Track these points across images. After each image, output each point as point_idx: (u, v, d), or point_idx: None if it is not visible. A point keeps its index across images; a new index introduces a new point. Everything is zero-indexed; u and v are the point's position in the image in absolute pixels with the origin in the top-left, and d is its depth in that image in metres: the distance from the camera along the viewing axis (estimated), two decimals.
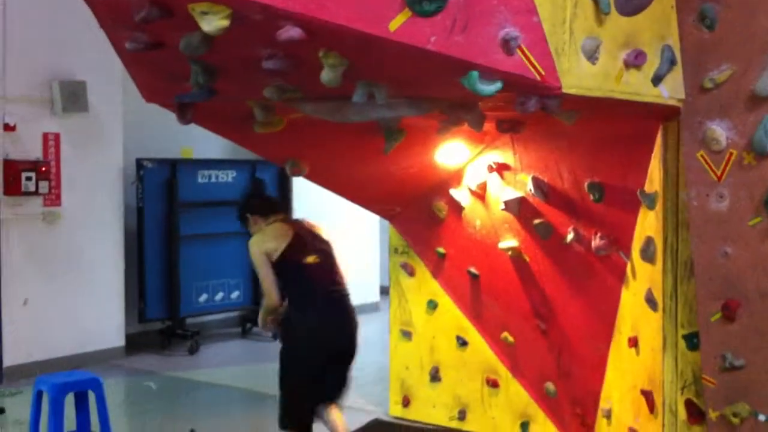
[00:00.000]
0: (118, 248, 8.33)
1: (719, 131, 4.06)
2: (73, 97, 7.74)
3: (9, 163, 7.35)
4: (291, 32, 2.99)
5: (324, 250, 4.88)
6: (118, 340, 8.30)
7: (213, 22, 2.98)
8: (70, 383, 4.88)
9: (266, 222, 4.82)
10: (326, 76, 3.25)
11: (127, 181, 8.51)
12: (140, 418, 6.22)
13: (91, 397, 4.93)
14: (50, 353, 7.59)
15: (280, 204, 4.95)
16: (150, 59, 3.80)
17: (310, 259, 4.75)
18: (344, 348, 4.76)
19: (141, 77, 4.32)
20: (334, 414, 4.81)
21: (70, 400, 4.84)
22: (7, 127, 7.38)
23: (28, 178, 7.39)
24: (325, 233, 4.96)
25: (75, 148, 7.91)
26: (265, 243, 4.69)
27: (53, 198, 7.73)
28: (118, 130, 8.32)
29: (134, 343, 8.47)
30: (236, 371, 7.87)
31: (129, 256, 8.50)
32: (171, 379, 7.48)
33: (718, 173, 4.10)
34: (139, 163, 8.57)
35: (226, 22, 2.98)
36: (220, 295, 9.22)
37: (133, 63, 4.12)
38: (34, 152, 7.59)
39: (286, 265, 4.65)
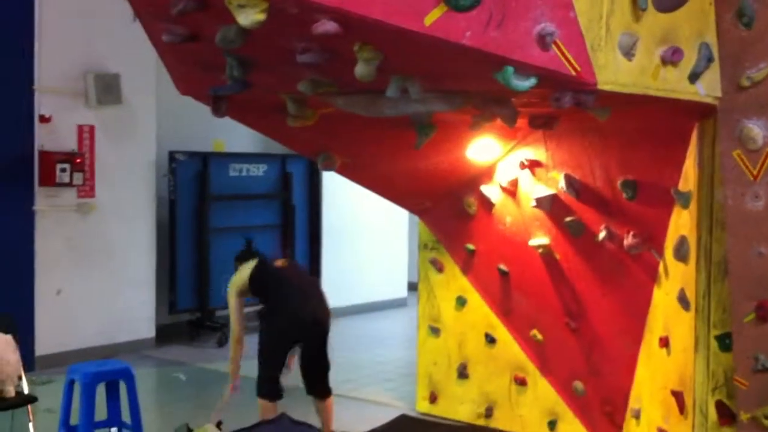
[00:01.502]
0: (150, 240, 8.41)
1: (756, 130, 4.00)
2: (107, 89, 7.82)
3: (44, 155, 7.43)
4: (326, 26, 3.00)
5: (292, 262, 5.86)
6: (148, 331, 8.39)
7: (250, 16, 2.99)
8: (101, 373, 4.93)
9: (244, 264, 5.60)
10: (360, 70, 3.25)
11: (159, 174, 8.58)
12: (170, 409, 6.27)
13: (123, 387, 4.98)
14: (82, 343, 7.69)
15: (256, 253, 5.76)
16: (186, 51, 3.84)
17: (279, 262, 5.70)
18: (319, 322, 5.30)
19: (176, 69, 4.36)
20: (323, 406, 5.39)
21: (101, 390, 4.89)
22: (43, 119, 7.47)
23: (63, 170, 7.48)
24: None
25: (109, 140, 7.99)
26: (237, 276, 5.53)
27: (87, 189, 7.81)
28: (151, 123, 8.39)
29: (164, 334, 8.54)
30: None
31: (160, 247, 8.58)
32: (200, 370, 7.54)
33: (755, 172, 4.05)
34: (172, 156, 8.64)
35: (262, 16, 2.99)
36: None
37: (169, 55, 4.15)
38: (69, 144, 7.68)
39: (260, 276, 5.42)
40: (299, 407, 6.09)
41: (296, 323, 5.27)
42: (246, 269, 5.51)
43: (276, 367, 5.33)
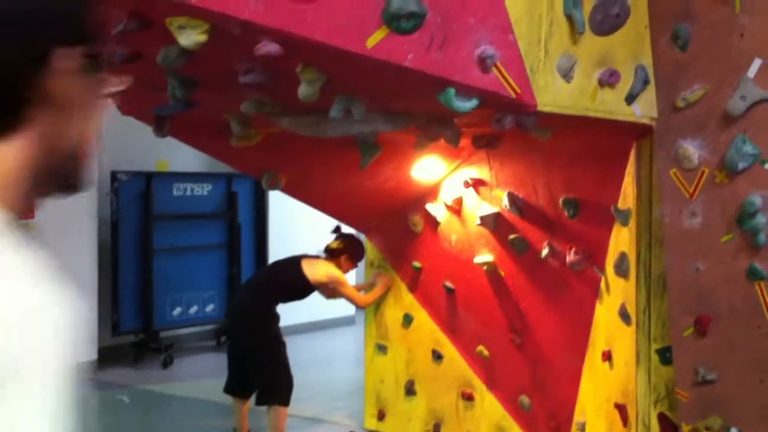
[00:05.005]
0: (92, 260, 8.25)
1: (692, 149, 4.11)
2: None
3: None
4: (269, 47, 3.00)
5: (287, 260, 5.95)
6: (90, 353, 8.21)
7: (191, 37, 2.98)
8: None
9: None
10: (304, 90, 3.26)
11: (101, 193, 8.44)
12: None
13: None
14: None
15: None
16: (127, 71, 3.80)
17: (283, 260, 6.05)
18: (235, 312, 5.84)
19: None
20: (269, 417, 5.59)
21: None
22: None
23: None
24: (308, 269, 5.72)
25: None
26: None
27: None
28: None
29: (107, 357, 8.38)
30: (210, 384, 7.79)
31: (103, 268, 8.43)
32: (144, 392, 7.42)
33: (691, 191, 4.15)
34: (114, 176, 8.51)
35: (204, 37, 2.98)
36: (194, 308, 9.16)
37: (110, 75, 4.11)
38: None
39: None
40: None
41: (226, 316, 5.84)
42: None
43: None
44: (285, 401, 5.57)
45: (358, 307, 5.95)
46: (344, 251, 5.83)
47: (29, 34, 0.89)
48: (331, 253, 5.84)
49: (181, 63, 3.29)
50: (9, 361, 0.81)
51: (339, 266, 5.77)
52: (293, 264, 5.72)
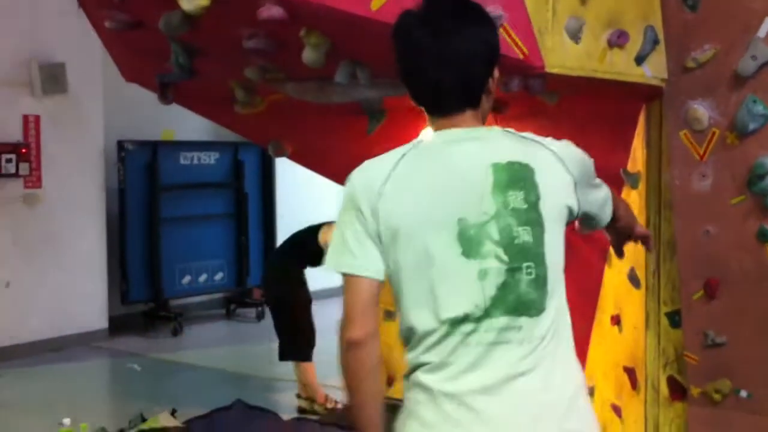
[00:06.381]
0: (100, 230, 8.27)
1: (702, 111, 4.07)
2: (52, 78, 7.66)
3: None
4: (272, 11, 2.97)
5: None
6: (101, 323, 8.26)
7: (194, 2, 2.96)
8: None
9: None
10: (308, 55, 3.23)
11: (108, 163, 8.44)
12: (124, 400, 6.20)
13: None
14: (33, 336, 7.55)
15: None
16: (130, 38, 3.77)
17: None
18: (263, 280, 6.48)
19: (121, 57, 4.29)
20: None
21: None
22: None
23: (8, 161, 7.32)
24: None
25: (55, 130, 7.83)
26: None
27: (34, 180, 7.66)
28: (98, 112, 8.24)
29: (117, 326, 8.43)
30: (220, 352, 7.87)
31: (111, 238, 8.45)
32: (155, 361, 7.47)
33: (701, 152, 4.11)
34: (121, 145, 8.49)
35: (206, 2, 2.95)
36: (203, 277, 9.19)
37: (113, 42, 4.08)
38: (14, 134, 7.51)
39: None
40: (257, 394, 6.09)
41: None
42: None
43: None
44: (304, 357, 5.81)
45: None
46: None
47: (495, 58, 1.99)
48: None
49: (184, 29, 3.26)
50: None
51: None
52: (318, 227, 5.92)
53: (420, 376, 1.87)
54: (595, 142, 4.64)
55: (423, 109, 2.00)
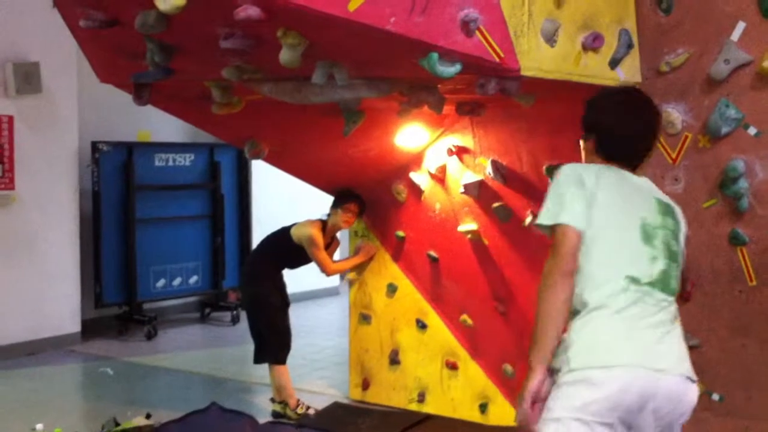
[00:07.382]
0: (74, 232, 8.19)
1: (675, 114, 4.11)
2: (26, 78, 7.59)
3: None
4: (249, 11, 2.96)
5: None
6: (74, 326, 8.18)
7: (169, 1, 2.94)
8: None
9: None
10: (285, 56, 3.22)
11: (82, 165, 8.36)
12: (98, 404, 6.14)
13: None
14: (5, 339, 7.47)
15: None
16: (105, 37, 3.74)
17: None
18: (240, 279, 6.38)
19: (96, 56, 4.25)
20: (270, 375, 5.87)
21: None
22: None
23: None
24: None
25: (29, 130, 7.75)
26: None
27: (7, 181, 7.58)
28: (73, 113, 8.17)
29: (91, 329, 8.36)
30: (194, 356, 7.82)
31: (85, 240, 8.37)
32: (128, 364, 7.40)
33: (674, 156, 4.15)
34: (95, 146, 8.42)
35: (182, 1, 2.93)
36: (178, 280, 9.13)
37: (88, 42, 4.05)
38: None
39: None
40: (232, 397, 6.06)
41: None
42: None
43: None
44: (278, 360, 5.76)
45: (324, 273, 5.97)
46: (339, 201, 5.85)
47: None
48: (332, 205, 5.92)
49: (160, 28, 3.24)
50: None
51: (337, 220, 5.81)
52: (290, 226, 5.90)
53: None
54: (570, 145, 4.69)
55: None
